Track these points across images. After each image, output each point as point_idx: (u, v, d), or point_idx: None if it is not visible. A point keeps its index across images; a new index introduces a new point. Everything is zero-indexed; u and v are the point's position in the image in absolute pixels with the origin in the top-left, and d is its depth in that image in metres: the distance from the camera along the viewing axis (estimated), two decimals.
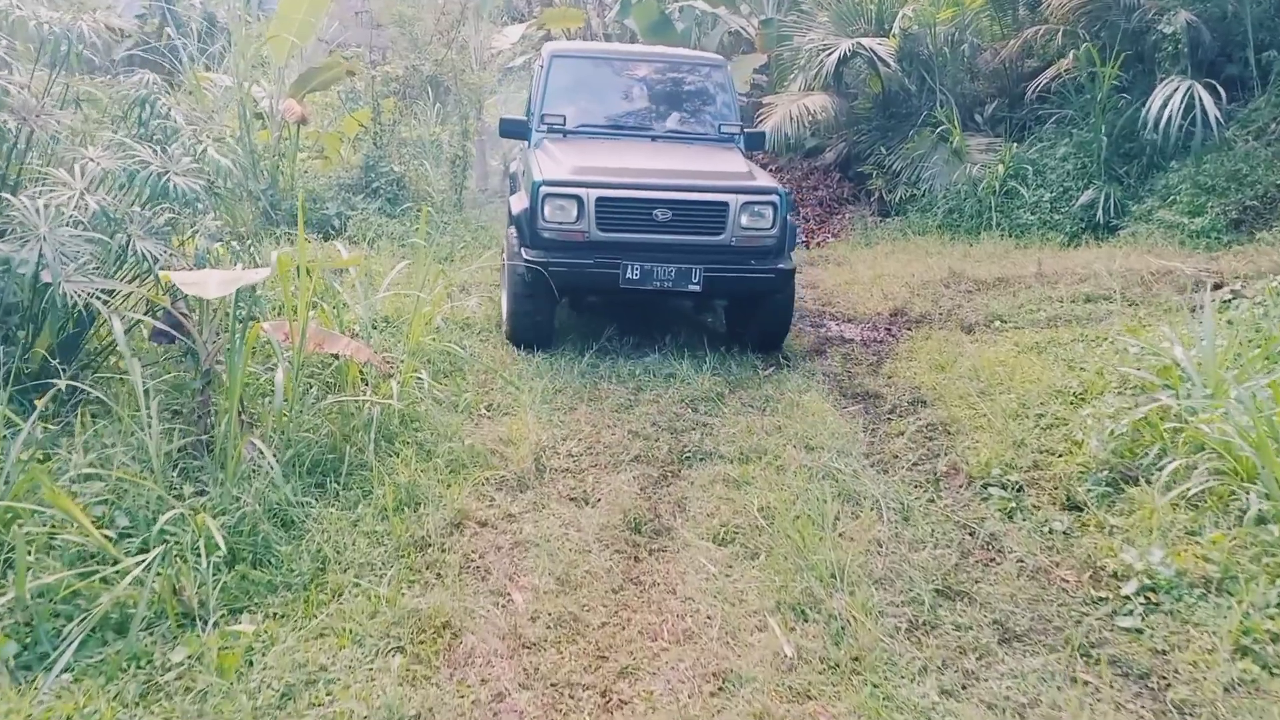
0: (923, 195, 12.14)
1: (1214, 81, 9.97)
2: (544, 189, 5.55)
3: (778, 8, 15.25)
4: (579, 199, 5.54)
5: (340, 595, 3.03)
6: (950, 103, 12.57)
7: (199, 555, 2.98)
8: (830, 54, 12.13)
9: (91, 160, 4.22)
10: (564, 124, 6.62)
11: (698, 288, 5.61)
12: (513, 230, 5.99)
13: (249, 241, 6.51)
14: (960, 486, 4.08)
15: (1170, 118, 9.63)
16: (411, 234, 8.87)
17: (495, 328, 6.07)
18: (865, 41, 12.19)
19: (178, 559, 2.98)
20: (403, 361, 4.46)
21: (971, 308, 7.38)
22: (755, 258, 5.75)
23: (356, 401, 3.92)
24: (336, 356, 4.05)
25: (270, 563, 3.19)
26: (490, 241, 9.58)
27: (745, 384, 5.36)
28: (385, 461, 3.86)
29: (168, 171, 4.22)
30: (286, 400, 3.67)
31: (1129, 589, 3.12)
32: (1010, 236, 10.65)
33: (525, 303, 5.66)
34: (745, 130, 7.15)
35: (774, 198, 5.76)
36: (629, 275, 5.53)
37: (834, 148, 13.96)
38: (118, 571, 2.80)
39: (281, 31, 9.09)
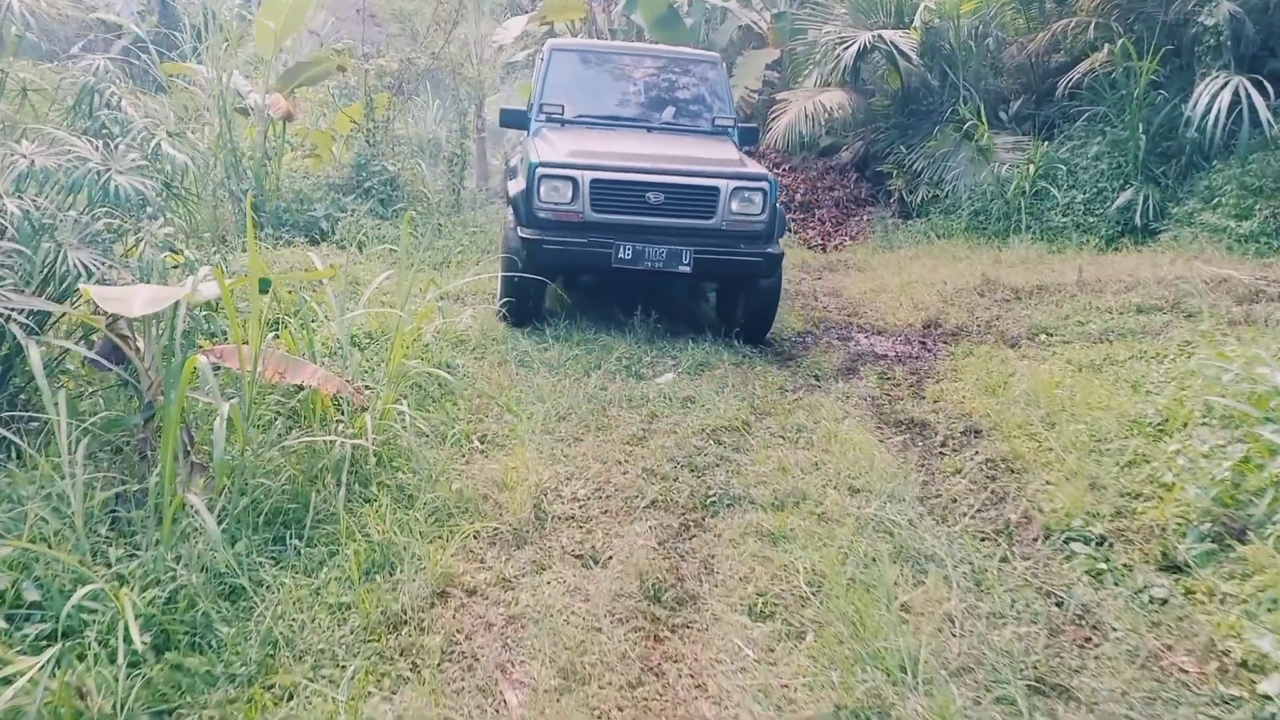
0: (946, 196, 11.53)
1: (1259, 77, 9.35)
2: (540, 170, 5.72)
3: (790, 1, 14.64)
4: (574, 180, 5.70)
5: (291, 697, 2.43)
6: (975, 99, 11.95)
7: (121, 641, 2.38)
8: (848, 47, 11.51)
9: (23, 156, 3.64)
10: (562, 114, 6.84)
11: (688, 269, 5.74)
12: (510, 212, 6.17)
13: (214, 249, 5.93)
14: (1035, 540, 3.46)
15: (1217, 115, 9.00)
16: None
17: (492, 342, 5.47)
18: (885, 34, 11.58)
19: (92, 650, 2.39)
20: (382, 390, 3.86)
21: (1012, 319, 6.77)
22: (745, 242, 5.89)
23: (323, 441, 3.32)
24: (301, 387, 3.45)
25: (211, 646, 2.59)
26: (489, 245, 8.98)
27: (773, 409, 4.75)
28: (357, 512, 3.26)
29: (110, 170, 3.63)
30: (235, 443, 3.07)
31: (1270, 687, 2.51)
32: (1041, 240, 10.04)
33: (518, 280, 5.80)
34: (739, 125, 7.32)
35: (763, 184, 5.90)
36: (621, 255, 5.68)
37: (850, 146, 13.35)
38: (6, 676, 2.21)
39: (266, 19, 8.50)
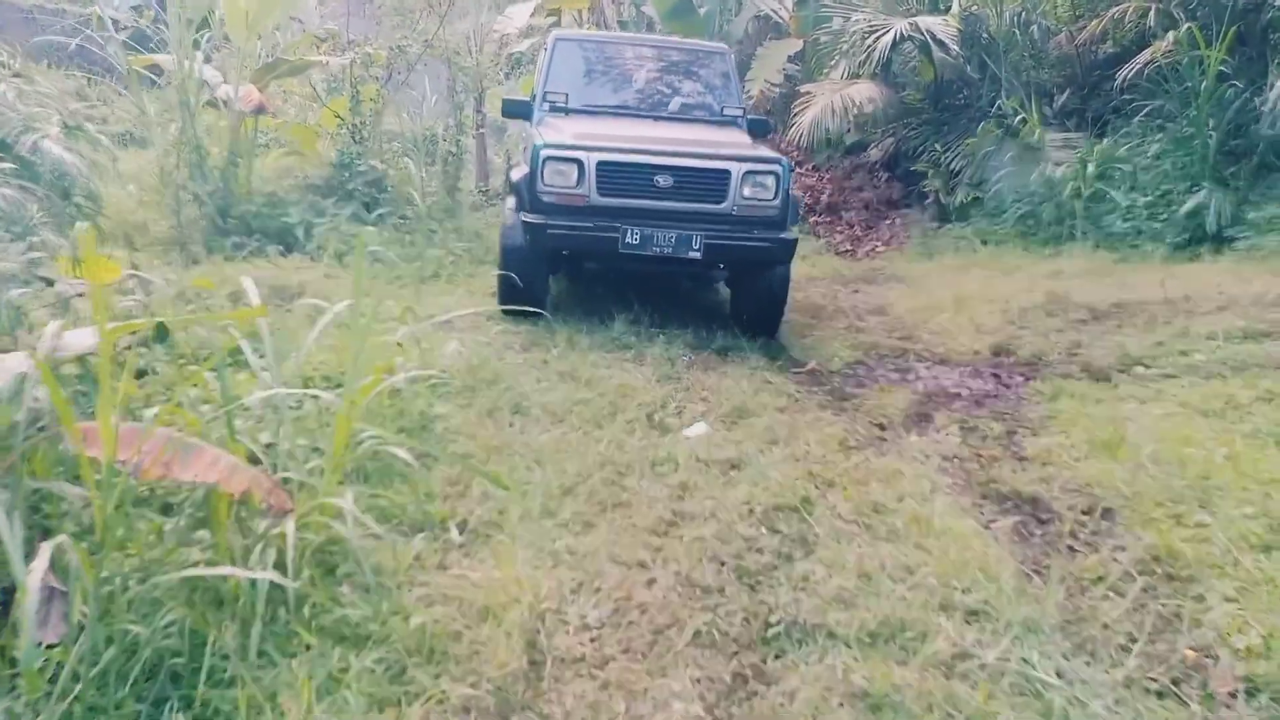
0: (988, 198, 10.50)
1: None
2: (545, 152, 5.56)
3: None
4: (579, 163, 5.54)
5: None
6: (1019, 92, 10.92)
7: None
8: (881, 35, 10.47)
9: None
10: (566, 103, 6.64)
11: (697, 254, 5.57)
12: (511, 199, 6.03)
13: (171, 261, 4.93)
14: (1229, 695, 2.45)
15: None
16: (390, 245, 7.28)
17: (483, 383, 4.46)
18: (921, 21, 10.54)
19: None
20: (326, 469, 2.86)
21: (1097, 346, 5.75)
22: (757, 227, 5.70)
23: (218, 575, 2.31)
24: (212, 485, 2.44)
25: None
26: (487, 255, 7.98)
27: (837, 477, 3.72)
28: (269, 671, 2.25)
29: None
30: (108, 563, 2.07)
31: None
32: (1100, 247, 9.00)
33: (518, 266, 5.68)
34: (749, 116, 7.12)
35: (776, 167, 5.72)
36: (628, 240, 5.51)
37: (880, 144, 12.33)
38: None
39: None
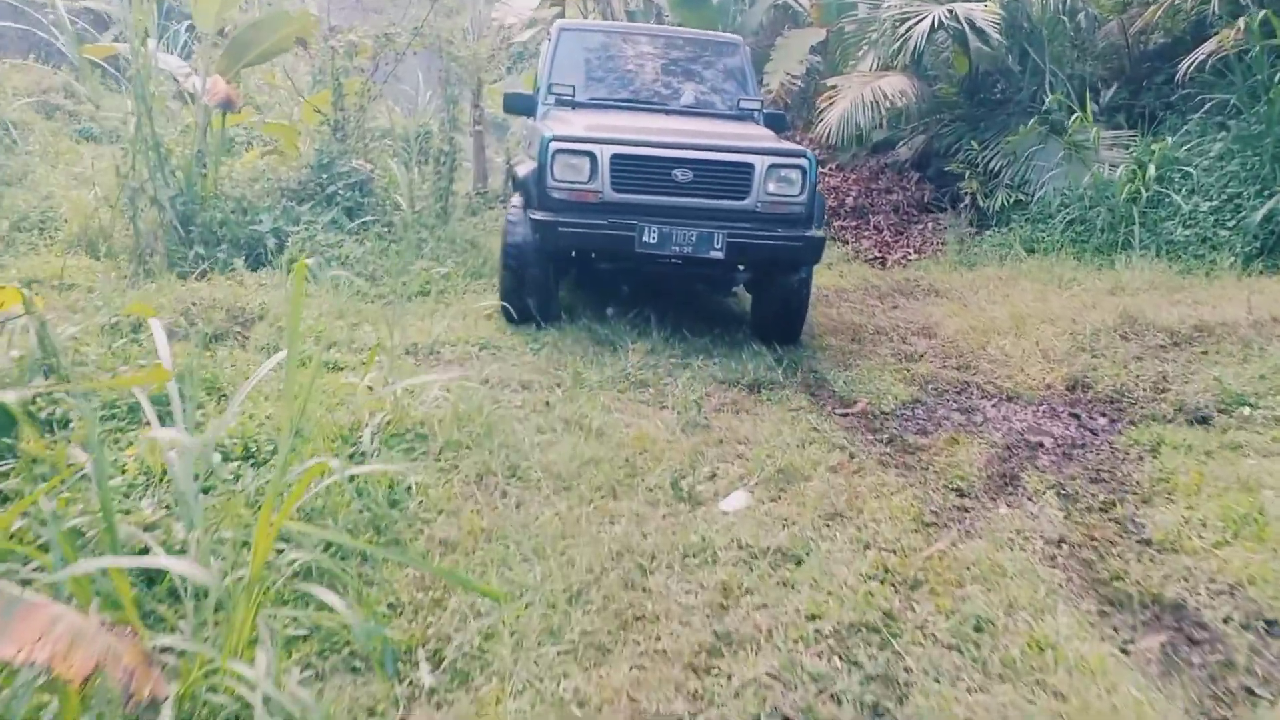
0: (1031, 201, 9.66)
1: None
2: (554, 144, 5.24)
3: None
4: (592, 156, 5.22)
5: None
6: (1064, 86, 10.08)
7: None
8: (917, 23, 9.62)
9: None
10: (573, 95, 6.27)
11: (720, 254, 5.24)
12: (517, 197, 5.70)
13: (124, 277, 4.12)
14: None
15: None
16: (372, 257, 6.48)
17: (473, 441, 3.64)
18: (959, 8, 9.69)
19: None
20: (239, 599, 2.04)
21: (1188, 379, 4.92)
22: (782, 225, 5.39)
23: None
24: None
25: None
26: (483, 267, 7.17)
27: (922, 573, 2.89)
28: None
29: None
30: None
31: None
32: (1161, 257, 8.16)
33: (523, 268, 5.40)
34: (764, 110, 6.78)
35: (802, 161, 5.42)
36: (646, 239, 5.18)
37: (909, 141, 11.48)
38: None
39: None
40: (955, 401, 4.83)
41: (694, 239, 5.19)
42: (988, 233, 9.68)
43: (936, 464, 3.84)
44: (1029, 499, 3.53)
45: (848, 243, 10.25)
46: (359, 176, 7.28)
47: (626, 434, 3.82)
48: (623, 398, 4.32)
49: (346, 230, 6.86)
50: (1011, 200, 9.72)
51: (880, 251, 10.17)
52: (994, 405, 4.83)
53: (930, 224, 10.49)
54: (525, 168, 5.67)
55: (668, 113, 6.50)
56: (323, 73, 9.20)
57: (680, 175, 5.23)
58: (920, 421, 4.49)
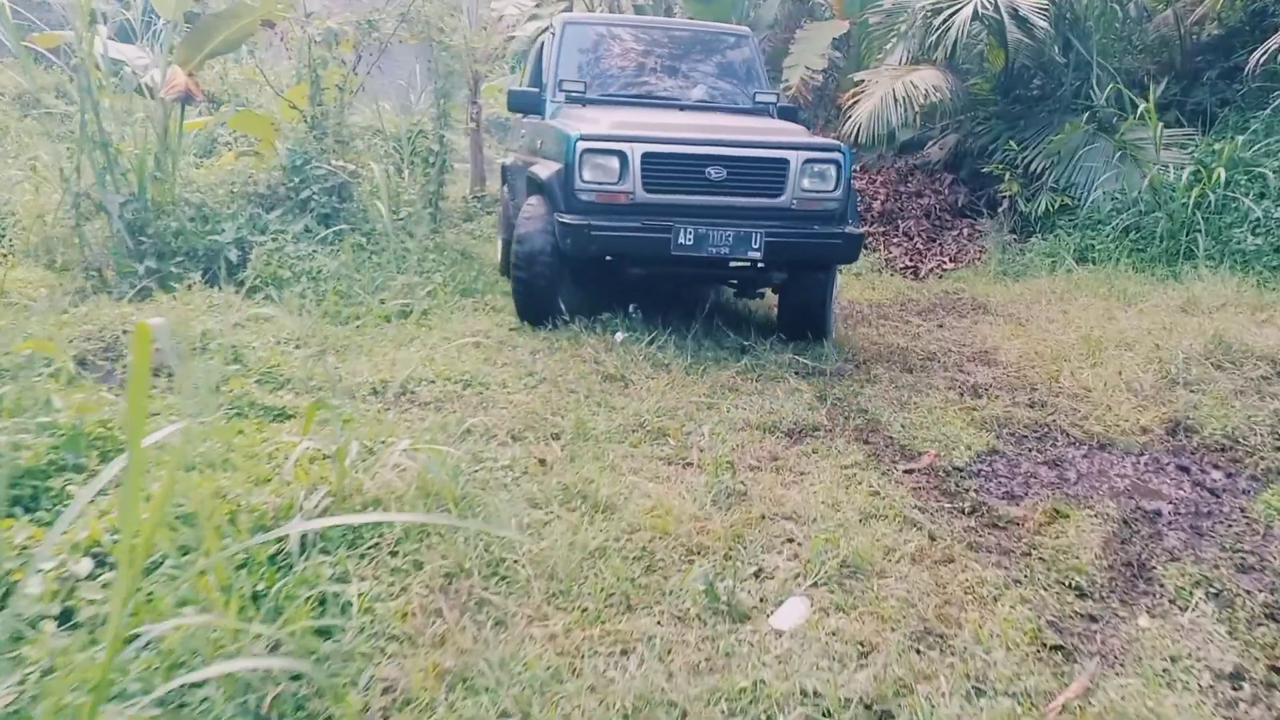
0: (1079, 205, 8.81)
1: None
2: (582, 144, 5.01)
3: None
4: (622, 155, 5.01)
5: None
6: (1112, 80, 9.23)
7: None
8: (956, 11, 8.77)
9: None
10: (584, 92, 6.01)
11: (758, 254, 5.07)
12: (534, 200, 5.43)
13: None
14: None
15: None
16: (348, 272, 5.67)
17: (443, 530, 2.80)
18: None
19: None
20: None
21: None
22: (818, 222, 5.28)
23: None
24: None
25: None
26: (476, 280, 6.36)
27: None
28: None
29: None
30: None
31: None
32: (1231, 268, 7.32)
33: (539, 278, 5.20)
34: (778, 104, 6.57)
35: (837, 155, 5.26)
36: (682, 240, 4.98)
37: (940, 140, 10.64)
38: None
39: None
40: (1038, 450, 3.98)
41: (731, 239, 4.98)
42: (1032, 240, 8.83)
43: (1040, 548, 2.99)
44: (1172, 602, 2.69)
45: (876, 250, 9.41)
46: (337, 179, 6.46)
47: (642, 507, 2.99)
48: (637, 453, 3.49)
49: (320, 240, 6.04)
50: (1056, 204, 8.87)
51: (912, 260, 9.33)
52: (1084, 455, 3.98)
53: (965, 230, 9.64)
54: (547, 168, 5.34)
55: (681, 108, 6.26)
56: (306, 65, 8.37)
57: (713, 173, 5.01)
58: (1003, 480, 3.65)
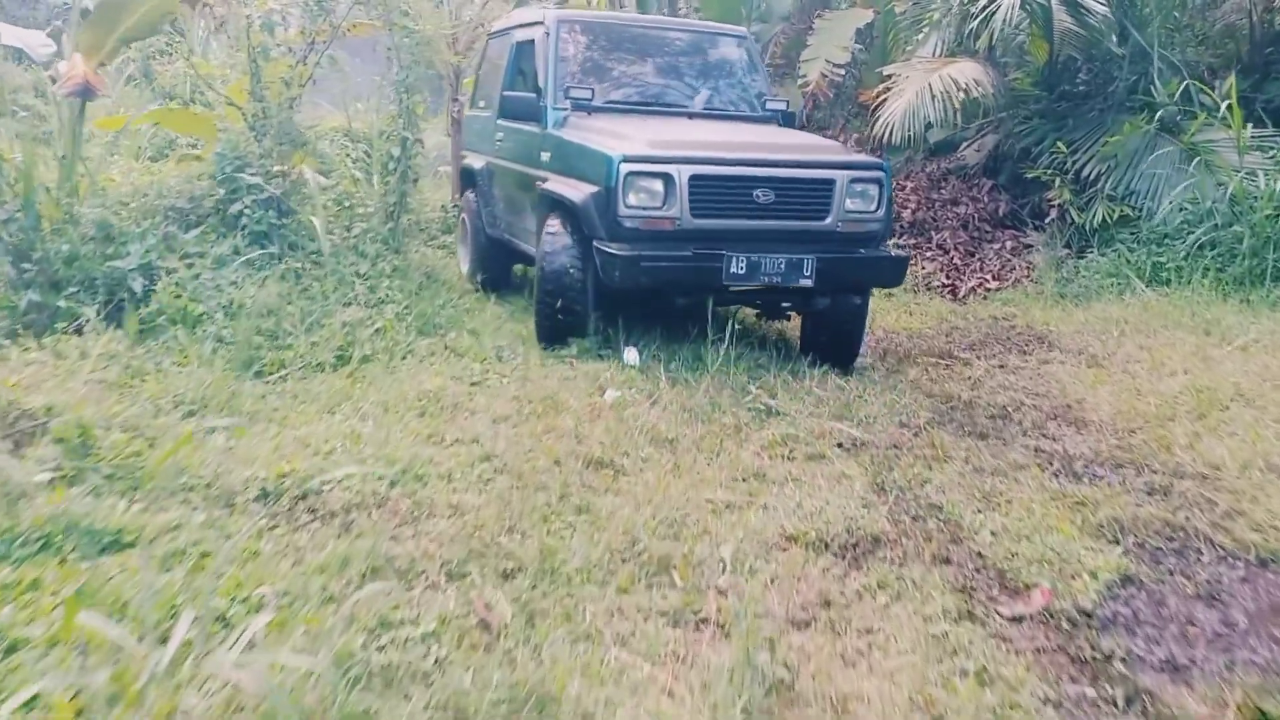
0: (1139, 217, 7.71)
1: None
2: (626, 166, 4.61)
3: None
4: (668, 178, 4.65)
5: None
6: (1181, 74, 8.13)
7: None
8: None
9: None
10: (591, 99, 5.60)
11: (809, 281, 4.79)
12: (556, 223, 5.01)
13: None
14: None
15: None
16: (277, 302, 4.61)
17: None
18: None
19: None
20: None
21: None
22: (862, 245, 5.07)
23: None
24: None
25: None
26: (442, 310, 5.28)
27: None
28: None
29: None
30: None
31: None
32: None
33: (572, 303, 4.83)
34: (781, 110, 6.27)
35: (880, 174, 5.04)
36: (733, 270, 4.66)
37: (976, 142, 9.53)
38: None
39: None
40: (1182, 574, 2.87)
41: (783, 267, 4.70)
42: (1088, 256, 7.71)
43: None
44: None
45: (909, 265, 8.30)
46: (275, 190, 5.37)
47: None
48: (627, 604, 2.39)
49: (250, 264, 4.96)
50: (1115, 215, 7.76)
51: (949, 277, 8.23)
52: (1243, 579, 2.88)
53: (1009, 243, 8.53)
54: (575, 189, 4.91)
55: (690, 116, 5.92)
56: (264, 48, 7.25)
57: (761, 196, 4.73)
58: (1152, 633, 2.54)
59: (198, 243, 4.97)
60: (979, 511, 3.18)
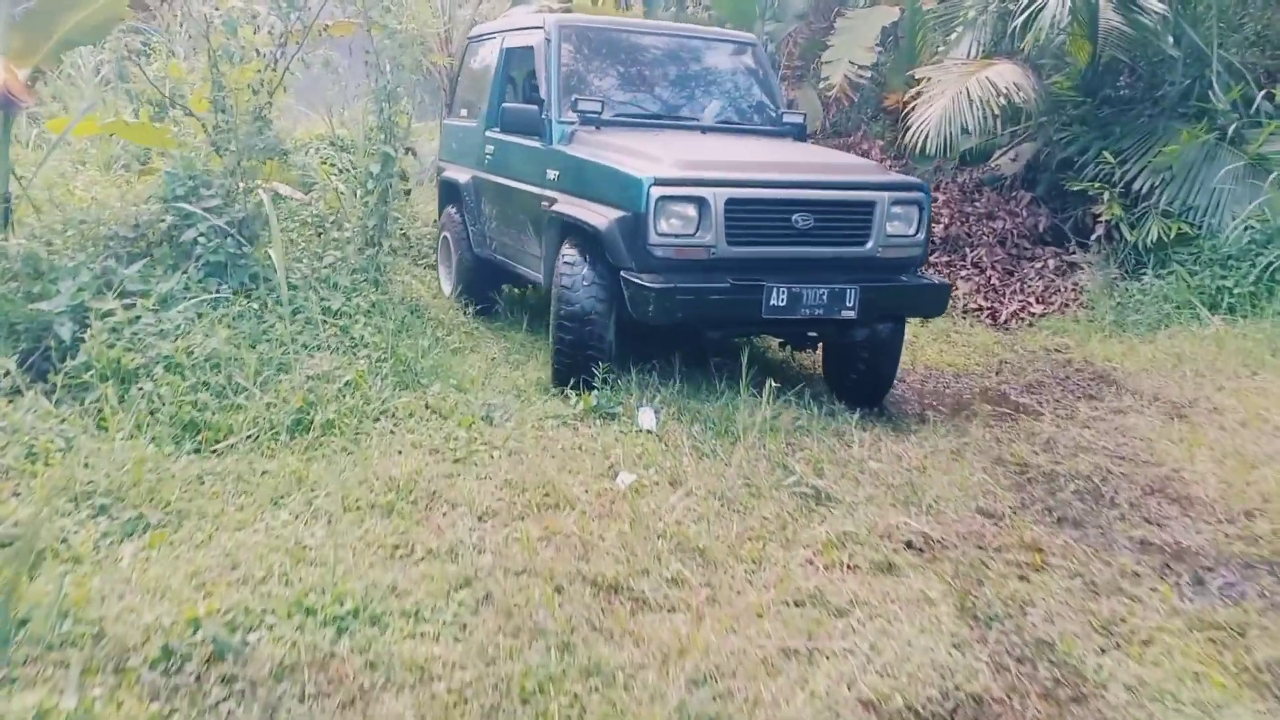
0: (1199, 235, 7.00)
1: None
2: (657, 190, 4.23)
3: None
4: (702, 202, 4.28)
5: None
6: (1244, 78, 7.42)
7: None
8: None
9: None
10: (599, 112, 5.14)
11: (852, 313, 4.44)
12: (573, 251, 4.61)
13: None
14: None
15: None
16: (230, 349, 3.91)
17: None
18: None
19: None
20: None
21: None
22: (903, 271, 4.76)
23: None
24: None
25: None
26: (431, 355, 4.58)
27: None
28: None
29: None
30: None
31: None
32: None
33: (590, 343, 4.43)
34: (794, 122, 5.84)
35: (919, 195, 4.73)
36: (774, 302, 4.31)
37: (1013, 150, 8.81)
38: None
39: None
40: None
41: (826, 298, 4.38)
42: (1144, 279, 6.99)
43: None
44: None
45: None
46: (236, 215, 4.67)
47: None
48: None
49: (202, 304, 4.25)
50: (1172, 233, 7.05)
51: (988, 300, 7.52)
52: None
53: (1051, 262, 7.82)
54: (597, 215, 4.49)
55: (703, 130, 5.56)
56: (228, 51, 6.53)
57: (800, 220, 4.41)
58: None
59: (141, 278, 4.26)
60: (1102, 651, 2.47)
